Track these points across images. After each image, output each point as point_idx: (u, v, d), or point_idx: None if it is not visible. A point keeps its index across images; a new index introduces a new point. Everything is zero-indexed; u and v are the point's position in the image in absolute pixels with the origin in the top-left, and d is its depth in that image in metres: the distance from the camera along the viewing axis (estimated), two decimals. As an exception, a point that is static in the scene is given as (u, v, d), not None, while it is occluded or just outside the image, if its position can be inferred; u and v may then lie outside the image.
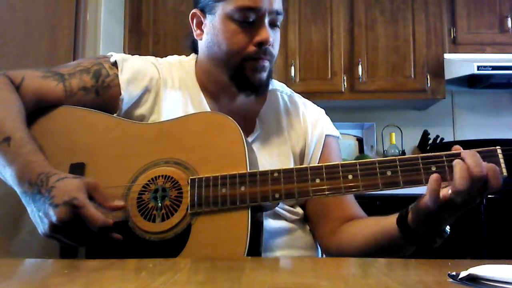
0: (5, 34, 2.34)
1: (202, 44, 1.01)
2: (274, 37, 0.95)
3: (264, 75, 0.96)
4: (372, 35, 2.80)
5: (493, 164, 0.70)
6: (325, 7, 2.83)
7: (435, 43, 2.78)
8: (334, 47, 2.80)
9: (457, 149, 0.74)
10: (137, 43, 2.82)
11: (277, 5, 0.94)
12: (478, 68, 2.60)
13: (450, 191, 0.70)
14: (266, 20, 0.92)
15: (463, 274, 0.49)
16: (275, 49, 0.97)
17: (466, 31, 2.78)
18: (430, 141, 2.91)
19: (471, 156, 0.70)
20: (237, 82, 0.96)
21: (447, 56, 2.74)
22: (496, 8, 2.78)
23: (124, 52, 2.77)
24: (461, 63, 2.68)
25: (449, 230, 0.78)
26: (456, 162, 0.71)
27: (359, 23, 2.81)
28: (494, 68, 2.62)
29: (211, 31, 0.97)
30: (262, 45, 0.92)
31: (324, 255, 1.05)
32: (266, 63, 0.95)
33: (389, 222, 0.82)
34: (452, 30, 2.79)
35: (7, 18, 2.35)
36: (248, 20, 0.92)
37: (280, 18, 0.96)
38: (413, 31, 2.79)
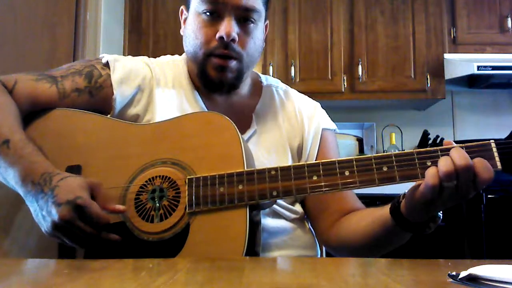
0: (5, 34, 2.34)
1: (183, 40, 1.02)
2: (243, 34, 0.93)
3: (229, 75, 0.94)
4: (372, 35, 2.80)
5: (480, 158, 0.71)
6: (325, 7, 2.83)
7: (435, 43, 2.78)
8: (334, 47, 2.80)
9: (448, 143, 0.75)
10: (137, 43, 2.82)
11: (246, 0, 0.91)
12: (478, 68, 2.60)
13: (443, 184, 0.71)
14: (231, 15, 0.91)
15: (463, 274, 0.49)
16: (246, 46, 0.93)
17: (466, 31, 2.78)
18: (430, 141, 2.91)
19: (455, 150, 0.72)
20: (203, 79, 0.96)
21: (447, 56, 2.74)
22: (496, 8, 2.78)
23: (124, 53, 2.77)
24: (461, 63, 2.68)
25: (441, 215, 0.79)
26: (441, 158, 0.72)
27: (359, 23, 2.81)
28: (494, 68, 2.62)
29: (187, 27, 0.99)
30: (223, 39, 0.90)
31: (323, 253, 1.05)
32: (231, 63, 0.93)
33: (383, 212, 0.83)
34: (452, 30, 2.79)
35: (7, 18, 2.35)
36: (211, 12, 0.91)
37: (254, 14, 0.93)
38: (413, 31, 2.79)
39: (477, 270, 0.48)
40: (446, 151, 0.73)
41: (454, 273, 0.50)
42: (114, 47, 2.68)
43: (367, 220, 0.88)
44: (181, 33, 1.02)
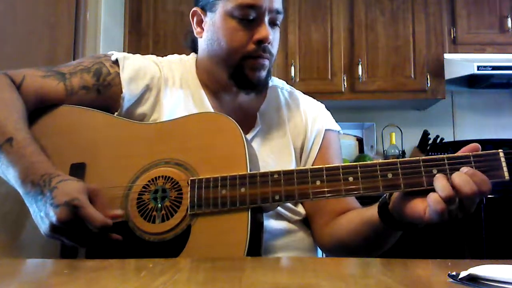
0: (5, 34, 2.34)
1: (202, 42, 1.02)
2: (273, 36, 0.96)
3: (263, 73, 0.97)
4: (372, 35, 2.80)
5: (484, 177, 0.69)
6: (325, 7, 2.83)
7: (435, 43, 2.78)
8: (334, 47, 2.80)
9: (474, 148, 0.72)
10: (137, 43, 2.82)
11: (278, 4, 0.95)
12: (478, 68, 2.60)
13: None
14: (266, 19, 0.94)
15: (463, 274, 0.49)
16: (274, 47, 0.98)
17: (466, 31, 2.78)
18: (430, 141, 2.91)
19: (459, 177, 0.69)
20: (236, 80, 0.97)
21: (447, 56, 2.74)
22: (496, 8, 2.78)
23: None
24: (461, 63, 2.68)
25: None
26: (439, 179, 0.69)
27: (359, 23, 2.81)
28: (494, 68, 2.62)
29: (211, 29, 0.98)
30: (262, 43, 0.93)
31: (323, 256, 1.05)
32: (266, 62, 0.96)
33: (372, 212, 0.82)
34: (452, 30, 2.79)
35: (7, 18, 2.35)
36: (248, 18, 0.93)
37: (280, 17, 0.97)
38: (413, 31, 2.79)
39: (477, 270, 0.48)
40: (453, 160, 0.72)
41: (454, 273, 0.50)
42: (114, 47, 2.67)
43: (356, 221, 0.88)
44: (197, 36, 1.02)
